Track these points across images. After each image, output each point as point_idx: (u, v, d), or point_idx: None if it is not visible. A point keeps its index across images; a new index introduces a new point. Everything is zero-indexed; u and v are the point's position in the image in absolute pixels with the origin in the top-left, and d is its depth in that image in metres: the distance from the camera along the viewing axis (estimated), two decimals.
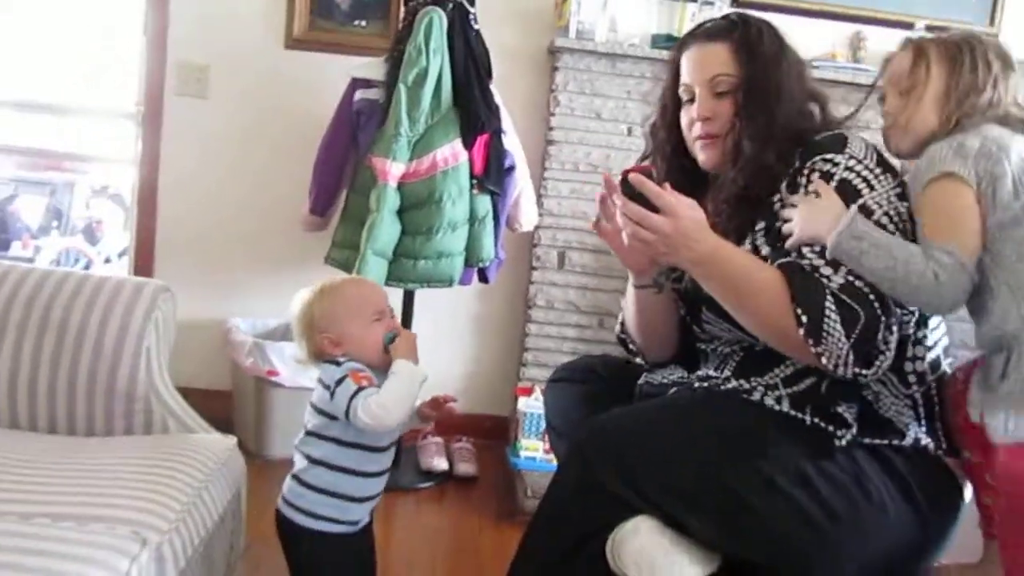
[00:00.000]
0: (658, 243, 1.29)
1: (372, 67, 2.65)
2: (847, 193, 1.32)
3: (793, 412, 1.32)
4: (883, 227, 1.30)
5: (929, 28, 2.93)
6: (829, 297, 1.24)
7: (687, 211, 1.29)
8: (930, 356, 1.39)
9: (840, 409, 1.31)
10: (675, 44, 1.54)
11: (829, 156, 1.35)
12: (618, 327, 1.67)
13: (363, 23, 3.02)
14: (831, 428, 1.30)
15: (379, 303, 1.53)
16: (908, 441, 1.32)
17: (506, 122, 2.69)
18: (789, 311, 1.25)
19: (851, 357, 1.24)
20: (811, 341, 1.24)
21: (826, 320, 1.23)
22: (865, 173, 1.34)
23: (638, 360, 1.64)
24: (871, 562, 1.28)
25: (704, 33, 1.48)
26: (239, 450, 1.75)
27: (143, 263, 3.10)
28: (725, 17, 1.49)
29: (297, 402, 2.79)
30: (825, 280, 1.26)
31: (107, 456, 1.52)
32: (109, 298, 1.71)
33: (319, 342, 1.51)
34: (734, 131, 1.41)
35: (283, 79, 3.03)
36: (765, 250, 1.38)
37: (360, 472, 1.49)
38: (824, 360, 1.24)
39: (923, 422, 1.35)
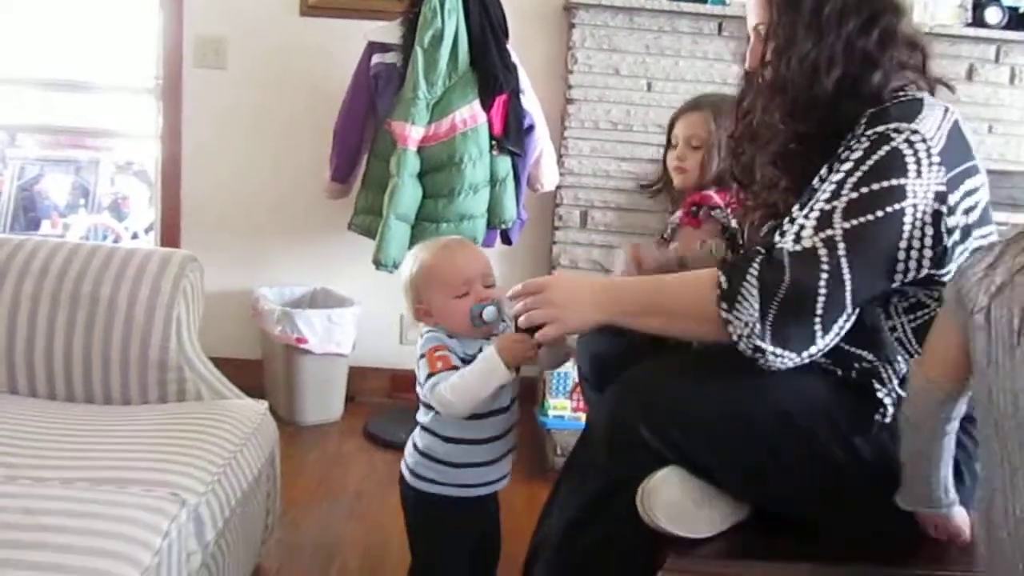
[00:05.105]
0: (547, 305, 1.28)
1: (388, 31, 2.64)
2: (893, 165, 1.19)
3: (830, 366, 1.29)
4: (900, 223, 1.17)
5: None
6: (758, 259, 1.17)
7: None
8: None
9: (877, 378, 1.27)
10: None
11: (894, 125, 1.21)
12: None
13: None
14: (873, 387, 1.26)
15: (465, 274, 1.44)
16: None
17: (524, 82, 2.68)
18: (714, 282, 1.19)
19: (762, 329, 1.15)
20: (723, 306, 1.17)
21: (745, 284, 1.16)
22: (922, 154, 1.19)
23: None
24: (888, 519, 1.26)
25: None
26: (271, 416, 1.78)
27: (170, 237, 3.14)
28: None
29: (326, 368, 2.85)
30: (788, 246, 1.18)
31: (143, 423, 1.55)
32: (138, 269, 1.74)
33: (414, 310, 1.49)
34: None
35: (300, 46, 3.03)
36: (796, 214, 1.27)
37: (469, 440, 1.47)
38: (730, 329, 1.18)
39: None
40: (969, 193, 1.23)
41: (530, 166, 2.74)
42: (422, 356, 1.44)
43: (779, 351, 1.17)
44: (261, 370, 2.98)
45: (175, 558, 1.22)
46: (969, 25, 2.85)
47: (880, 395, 1.26)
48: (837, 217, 1.18)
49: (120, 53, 3.92)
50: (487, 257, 1.51)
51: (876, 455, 1.24)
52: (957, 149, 1.23)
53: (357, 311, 2.90)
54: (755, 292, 1.16)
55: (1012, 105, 2.92)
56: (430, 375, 1.41)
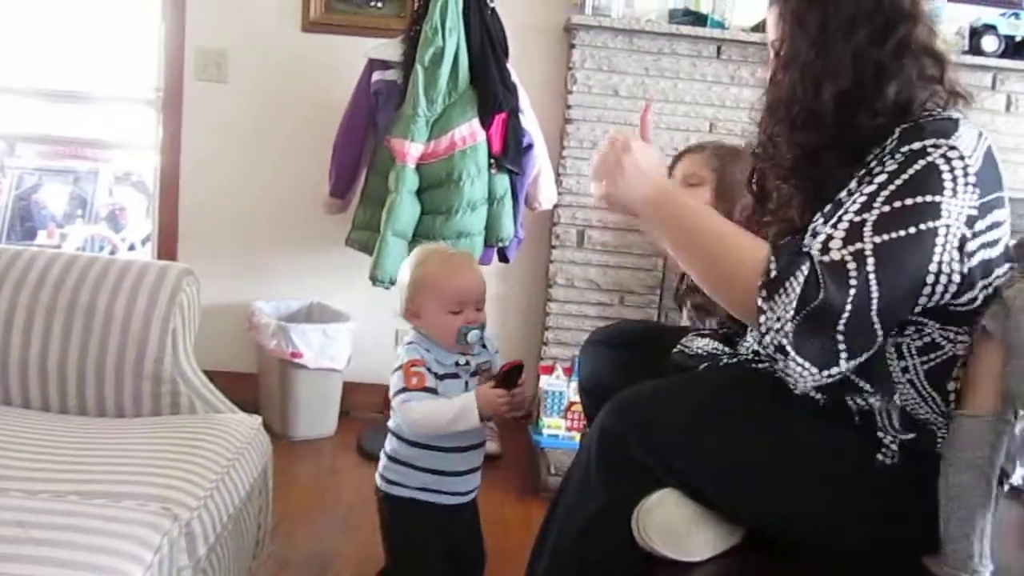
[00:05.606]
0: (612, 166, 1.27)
1: (389, 48, 2.66)
2: (928, 180, 1.14)
3: (829, 400, 1.26)
4: (932, 244, 1.14)
5: None
6: (807, 263, 1.13)
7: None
8: None
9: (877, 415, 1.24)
10: None
11: (931, 140, 1.17)
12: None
13: (379, 4, 3.02)
14: (874, 425, 1.23)
15: (464, 295, 1.50)
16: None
17: (523, 101, 2.69)
18: (763, 260, 1.15)
19: (790, 330, 1.11)
20: (763, 294, 1.13)
21: (791, 280, 1.12)
22: (958, 172, 1.15)
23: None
24: (887, 543, 1.25)
25: None
26: (264, 430, 1.77)
27: (166, 249, 3.14)
28: None
29: (321, 383, 2.85)
30: (816, 253, 1.14)
31: (136, 436, 1.55)
32: (134, 282, 1.73)
33: (405, 309, 1.55)
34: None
35: (301, 62, 3.04)
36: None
37: (433, 447, 1.52)
38: (762, 318, 1.14)
39: None
40: (994, 226, 1.20)
41: (528, 184, 2.75)
42: (399, 368, 1.50)
43: (800, 360, 1.13)
44: (256, 384, 2.98)
45: (166, 573, 1.21)
46: (965, 53, 2.88)
47: (879, 434, 1.23)
48: (867, 230, 1.13)
49: (121, 64, 3.93)
50: (484, 278, 1.56)
51: (874, 479, 1.23)
52: (990, 175, 1.20)
53: (353, 326, 2.90)
54: (796, 293, 1.11)
55: (1008, 132, 2.95)
56: (404, 389, 1.47)
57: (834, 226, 1.16)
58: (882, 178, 1.17)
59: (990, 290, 1.21)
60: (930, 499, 1.22)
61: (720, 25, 2.88)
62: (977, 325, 1.21)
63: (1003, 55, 2.88)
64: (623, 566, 1.27)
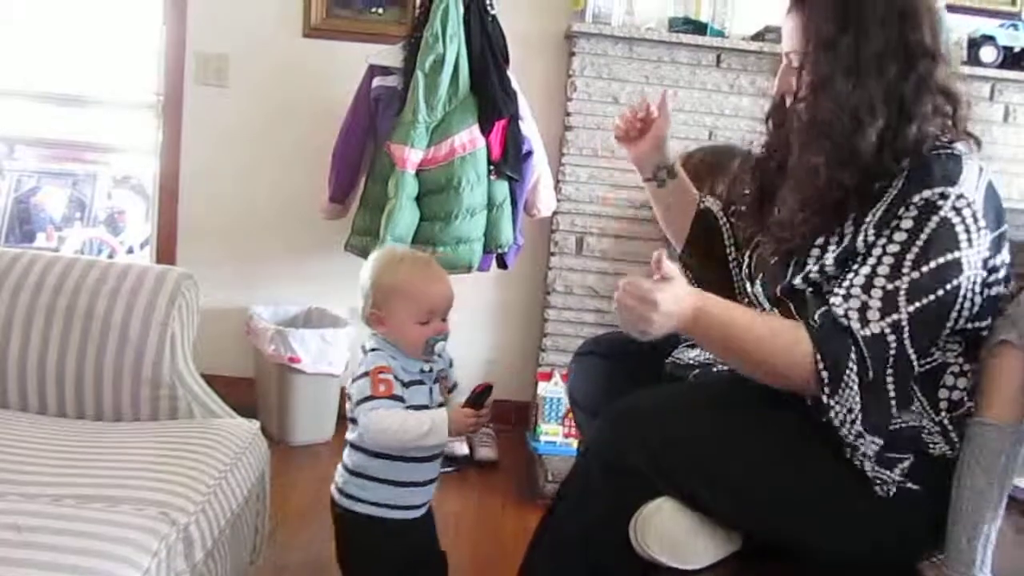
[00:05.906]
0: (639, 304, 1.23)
1: (389, 54, 2.66)
2: (946, 237, 1.19)
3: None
4: (957, 295, 1.20)
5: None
6: (853, 347, 1.18)
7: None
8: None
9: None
10: None
11: (940, 189, 1.19)
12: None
13: (380, 10, 3.03)
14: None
15: (436, 305, 1.50)
16: (935, 454, 1.27)
17: (523, 107, 2.70)
18: (811, 357, 1.19)
19: (860, 411, 1.19)
20: (827, 391, 1.18)
21: (846, 370, 1.18)
22: (969, 221, 1.19)
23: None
24: (882, 549, 1.26)
25: None
26: (262, 435, 1.77)
27: (165, 252, 3.14)
28: None
29: (319, 389, 2.85)
30: (856, 327, 1.19)
31: (134, 440, 1.55)
32: (133, 285, 1.73)
33: (369, 314, 1.53)
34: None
35: (301, 67, 3.05)
36: (831, 268, 1.27)
37: (396, 457, 1.51)
38: (832, 415, 1.19)
39: (956, 448, 1.26)
40: (1002, 264, 1.27)
41: (527, 191, 2.76)
42: (364, 375, 1.47)
43: (869, 434, 1.21)
44: (253, 388, 2.97)
45: None
46: (964, 63, 2.89)
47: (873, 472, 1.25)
48: (902, 300, 1.19)
49: (121, 68, 3.94)
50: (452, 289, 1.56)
51: (870, 487, 1.24)
52: (993, 211, 1.24)
53: (351, 331, 2.89)
54: (855, 381, 1.18)
55: (1006, 143, 2.96)
56: (371, 397, 1.45)
57: (867, 291, 1.20)
58: (902, 237, 1.21)
59: (984, 305, 1.25)
60: (928, 509, 1.23)
61: (720, 34, 2.89)
62: (989, 338, 1.25)
63: (1001, 66, 2.89)
64: (621, 574, 1.27)
